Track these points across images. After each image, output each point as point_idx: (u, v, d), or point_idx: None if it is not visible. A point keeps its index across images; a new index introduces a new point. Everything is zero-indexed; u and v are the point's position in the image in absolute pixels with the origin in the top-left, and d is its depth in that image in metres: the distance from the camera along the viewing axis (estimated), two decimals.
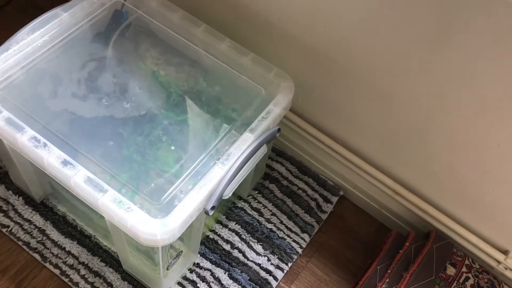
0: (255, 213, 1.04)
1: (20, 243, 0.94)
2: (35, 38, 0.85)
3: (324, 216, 1.06)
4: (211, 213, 0.74)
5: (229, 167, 0.75)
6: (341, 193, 1.09)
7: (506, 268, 0.91)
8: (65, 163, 0.72)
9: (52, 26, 0.88)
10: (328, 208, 1.07)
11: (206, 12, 0.98)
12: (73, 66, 0.87)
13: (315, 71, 0.93)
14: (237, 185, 0.78)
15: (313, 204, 1.07)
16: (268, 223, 1.03)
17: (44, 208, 0.98)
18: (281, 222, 1.04)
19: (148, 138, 0.82)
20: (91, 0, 0.92)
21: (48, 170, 0.73)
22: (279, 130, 0.83)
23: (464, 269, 0.89)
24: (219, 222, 1.02)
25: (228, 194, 0.76)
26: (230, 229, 1.01)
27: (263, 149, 0.82)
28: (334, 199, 1.08)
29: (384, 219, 1.07)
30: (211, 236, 1.00)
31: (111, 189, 0.71)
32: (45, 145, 0.73)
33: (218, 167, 0.75)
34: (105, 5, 0.94)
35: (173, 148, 0.81)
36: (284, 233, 1.02)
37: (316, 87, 0.96)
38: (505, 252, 0.91)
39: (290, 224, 1.03)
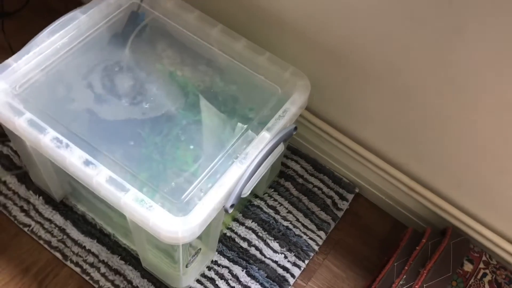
0: (271, 211, 1.05)
1: (41, 242, 0.96)
2: (54, 40, 0.87)
3: (340, 214, 1.07)
4: (230, 211, 0.75)
5: (247, 166, 0.76)
6: (357, 190, 1.10)
7: None
8: (87, 163, 0.74)
9: (70, 28, 0.89)
10: (344, 205, 1.08)
11: (221, 13, 0.99)
12: (92, 68, 0.89)
13: (330, 68, 0.94)
14: (255, 183, 0.79)
15: (328, 201, 1.07)
16: (285, 220, 1.04)
17: (64, 207, 1.00)
18: (297, 220, 1.04)
19: (167, 138, 0.84)
20: (108, 2, 0.93)
21: (70, 170, 0.75)
22: (295, 128, 0.84)
23: (481, 265, 0.89)
24: (236, 220, 1.03)
25: (246, 192, 0.77)
26: (247, 227, 1.02)
27: (280, 148, 0.83)
28: (350, 197, 1.09)
29: (400, 216, 1.07)
30: (228, 234, 1.01)
31: (133, 188, 0.72)
32: (67, 145, 0.75)
33: (236, 165, 0.76)
34: (122, 7, 0.95)
35: (191, 147, 0.82)
36: (300, 230, 1.03)
37: (331, 85, 0.96)
38: None
39: (306, 222, 1.04)
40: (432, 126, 0.87)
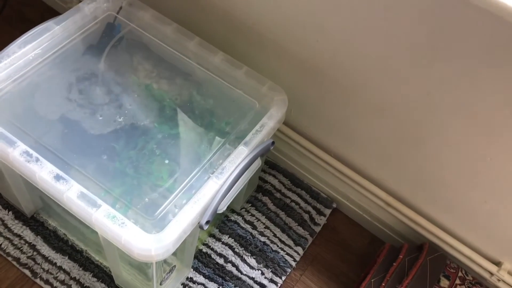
0: (248, 226, 1.03)
1: (10, 258, 0.93)
2: (26, 51, 0.85)
3: (317, 229, 1.06)
4: (205, 227, 0.73)
5: (223, 181, 0.75)
6: (334, 205, 1.09)
7: (499, 280, 0.91)
8: (57, 178, 0.71)
9: (44, 39, 0.87)
10: (321, 220, 1.07)
11: (199, 26, 0.98)
12: (65, 80, 0.87)
13: (308, 84, 0.94)
14: (232, 199, 0.78)
15: (306, 216, 1.07)
16: (262, 236, 1.03)
17: (34, 222, 0.97)
18: (275, 235, 1.03)
19: (141, 152, 0.82)
20: (84, 13, 0.92)
21: (41, 185, 0.72)
22: (273, 143, 0.83)
23: (457, 281, 0.90)
24: (212, 235, 1.01)
25: (222, 208, 0.75)
26: (223, 243, 1.00)
27: (257, 163, 0.82)
28: (327, 212, 1.08)
29: (377, 231, 1.07)
30: (204, 250, 0.99)
31: (105, 204, 0.70)
32: (37, 159, 0.72)
33: (212, 181, 0.75)
34: (97, 18, 0.94)
35: (167, 162, 0.80)
36: (277, 246, 1.02)
37: (309, 100, 0.96)
38: (498, 264, 0.91)
39: (284, 237, 1.03)
40: (408, 143, 0.87)
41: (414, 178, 0.92)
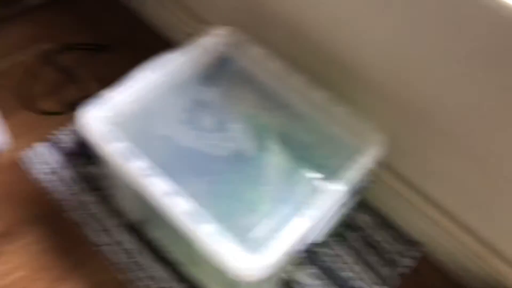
0: (334, 259, 1.04)
1: (114, 262, 1.01)
2: (150, 76, 0.94)
3: (404, 271, 1.04)
4: (301, 255, 0.76)
5: (321, 213, 0.77)
6: (424, 249, 1.07)
7: None
8: (167, 193, 0.78)
9: (166, 67, 0.96)
10: (409, 263, 1.05)
11: (305, 64, 1.03)
12: (180, 105, 0.95)
13: (408, 125, 0.95)
14: (327, 231, 0.80)
15: (393, 257, 1.06)
16: (347, 271, 1.03)
17: (137, 232, 1.05)
18: (360, 272, 1.03)
19: (240, 177, 0.87)
20: (203, 46, 1.00)
21: (151, 198, 0.79)
22: (368, 182, 0.85)
23: None
24: (298, 265, 1.03)
25: (318, 239, 0.78)
26: (308, 274, 1.02)
27: (354, 199, 0.84)
28: (416, 255, 1.06)
29: (467, 283, 1.03)
30: (289, 279, 1.01)
31: (208, 222, 0.75)
32: (151, 174, 0.80)
33: (310, 211, 0.78)
34: (213, 52, 1.02)
35: (265, 189, 0.85)
36: (363, 283, 1.02)
37: (409, 142, 0.96)
38: None
39: (370, 276, 1.03)
40: None
41: None
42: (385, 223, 1.10)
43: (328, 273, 1.02)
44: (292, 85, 0.96)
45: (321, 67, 1.03)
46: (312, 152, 0.91)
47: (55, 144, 1.18)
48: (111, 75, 1.33)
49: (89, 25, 1.47)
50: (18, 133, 1.21)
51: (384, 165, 1.04)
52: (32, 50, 1.39)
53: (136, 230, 1.06)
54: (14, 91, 1.29)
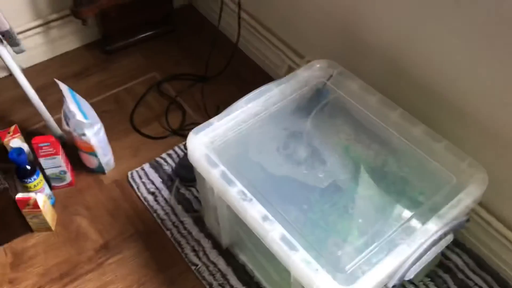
0: None
1: (204, 282, 1.06)
2: (250, 107, 0.99)
3: None
4: None
5: (414, 249, 0.77)
6: None
7: None
8: (264, 218, 0.81)
9: (264, 98, 1.01)
10: None
11: (402, 97, 1.04)
12: (276, 134, 0.99)
13: (510, 164, 0.91)
14: (420, 268, 0.79)
15: None
16: None
17: (228, 254, 1.09)
18: None
19: (334, 207, 0.88)
20: (299, 78, 1.05)
21: (249, 222, 0.83)
22: (467, 220, 0.83)
23: None
24: None
25: (410, 275, 0.77)
26: None
27: (449, 237, 0.82)
28: None
29: None
30: None
31: (302, 249, 0.77)
32: (250, 199, 0.84)
33: (403, 247, 0.77)
34: (309, 84, 1.05)
35: (360, 221, 0.85)
36: None
37: (509, 181, 0.93)
38: None
39: None
40: None
41: None
42: (480, 265, 1.05)
43: None
44: (388, 118, 0.96)
45: (418, 100, 1.03)
46: (407, 187, 0.90)
47: (159, 166, 1.27)
48: (213, 103, 1.42)
49: (192, 56, 1.58)
50: (125, 154, 1.32)
51: (481, 204, 1.01)
52: (142, 79, 1.52)
53: (228, 253, 1.10)
54: (125, 116, 1.41)
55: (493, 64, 0.85)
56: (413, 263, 0.76)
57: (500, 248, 1.01)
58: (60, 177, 1.21)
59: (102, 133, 1.20)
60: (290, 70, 1.35)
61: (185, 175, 1.22)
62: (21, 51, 1.19)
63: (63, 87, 1.16)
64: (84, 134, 1.16)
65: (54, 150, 1.15)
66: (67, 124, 1.17)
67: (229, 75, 1.51)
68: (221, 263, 1.08)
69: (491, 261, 1.05)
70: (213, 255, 1.10)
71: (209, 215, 1.09)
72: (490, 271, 1.04)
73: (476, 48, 0.86)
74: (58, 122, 1.31)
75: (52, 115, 1.30)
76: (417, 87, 1.02)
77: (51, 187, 1.23)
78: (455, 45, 0.90)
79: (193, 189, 1.22)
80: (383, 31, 1.05)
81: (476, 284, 1.03)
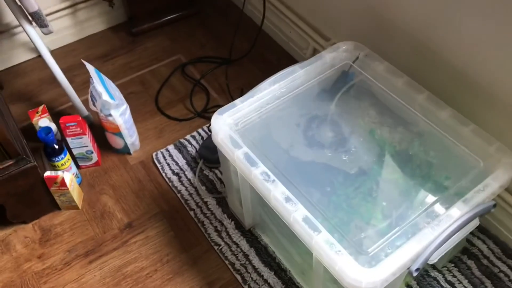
0: (448, 286, 1.00)
1: (226, 262, 1.07)
2: (274, 89, 0.99)
3: None
4: (415, 274, 0.75)
5: (439, 232, 0.76)
6: None
7: None
8: (287, 199, 0.82)
9: (288, 80, 1.00)
10: None
11: (429, 80, 1.02)
12: (301, 116, 0.99)
13: None
14: (444, 252, 0.78)
15: None
16: None
17: (250, 235, 1.10)
18: None
19: (358, 190, 0.88)
20: (324, 60, 1.03)
21: (273, 203, 0.83)
22: (494, 205, 0.81)
23: None
24: (409, 286, 1.01)
25: (434, 259, 0.76)
26: None
27: (475, 222, 0.81)
28: None
29: None
30: None
31: (325, 231, 0.77)
32: (273, 181, 0.84)
33: (428, 230, 0.76)
34: (335, 66, 1.04)
35: (384, 204, 0.85)
36: None
37: None
38: None
39: None
40: None
41: None
42: (506, 253, 1.03)
43: None
44: (414, 101, 0.95)
45: (446, 83, 1.01)
46: (433, 172, 0.89)
47: (183, 148, 1.28)
48: (237, 86, 1.42)
49: (217, 39, 1.58)
50: (150, 135, 1.33)
51: (509, 190, 0.99)
52: (167, 61, 1.52)
53: (251, 234, 1.11)
54: (151, 98, 1.43)
55: None
56: (437, 248, 0.75)
57: None
58: (86, 157, 1.24)
59: (128, 114, 1.22)
60: (315, 52, 1.34)
61: (209, 156, 1.22)
62: (49, 32, 1.21)
63: (90, 68, 1.17)
64: (110, 115, 1.18)
65: (81, 130, 1.17)
66: (94, 104, 1.19)
67: (253, 58, 1.51)
68: (244, 244, 1.09)
69: None
70: (236, 236, 1.11)
71: (232, 196, 1.10)
72: None
73: (505, 29, 0.84)
74: (85, 103, 1.33)
75: (79, 96, 1.32)
76: (444, 69, 1.00)
77: (78, 167, 1.25)
78: (484, 27, 0.87)
79: (216, 171, 1.23)
80: (411, 12, 1.02)
81: (501, 271, 1.02)
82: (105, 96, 1.14)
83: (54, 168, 1.16)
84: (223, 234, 1.11)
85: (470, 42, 0.92)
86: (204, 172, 1.23)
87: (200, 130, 1.32)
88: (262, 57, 1.51)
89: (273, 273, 1.04)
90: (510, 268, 1.02)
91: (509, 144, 0.86)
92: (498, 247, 1.05)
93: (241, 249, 1.08)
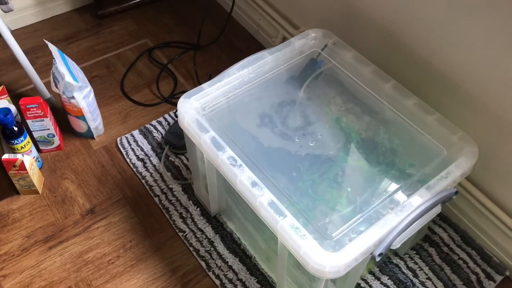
0: (409, 272, 1.02)
1: (191, 248, 1.06)
2: (243, 74, 0.98)
3: None
4: (378, 259, 0.76)
5: (402, 218, 0.77)
6: (507, 273, 1.02)
7: None
8: (254, 184, 0.81)
9: (257, 65, 1.00)
10: (490, 286, 1.01)
11: (396, 69, 1.03)
12: (269, 102, 0.98)
13: (500, 141, 0.91)
14: (407, 238, 0.79)
15: (473, 278, 1.02)
16: (422, 286, 1.00)
17: (216, 222, 1.09)
18: None
19: (324, 176, 0.88)
20: (293, 47, 1.03)
21: (239, 188, 0.83)
22: (456, 192, 0.83)
23: None
24: (371, 273, 1.02)
25: (397, 245, 0.77)
26: (382, 283, 1.01)
27: (437, 209, 0.83)
28: (498, 278, 1.02)
29: None
30: (362, 285, 1.01)
31: (290, 215, 0.77)
32: (240, 165, 0.83)
33: (391, 216, 0.77)
34: (303, 54, 1.04)
35: (349, 189, 0.85)
36: None
37: (501, 157, 0.93)
38: None
39: None
40: None
41: None
42: (465, 240, 1.06)
43: (398, 285, 1.00)
44: (381, 89, 0.96)
45: (412, 73, 1.02)
46: (397, 159, 0.90)
47: (148, 133, 1.25)
48: (205, 72, 1.40)
49: (185, 24, 1.56)
50: (114, 119, 1.30)
51: (469, 179, 1.01)
52: (134, 45, 1.49)
53: (216, 220, 1.10)
54: (116, 82, 1.39)
55: (486, 36, 0.84)
56: (400, 233, 0.76)
57: (486, 224, 1.02)
58: (48, 140, 1.20)
59: (92, 97, 1.19)
60: (285, 41, 1.33)
61: (175, 142, 1.21)
62: (10, 10, 1.16)
63: (53, 48, 1.13)
64: (73, 97, 1.14)
65: (42, 112, 1.13)
66: (56, 86, 1.15)
67: (222, 44, 1.49)
68: (209, 231, 1.08)
69: (476, 236, 1.06)
70: (201, 222, 1.09)
71: (198, 182, 1.08)
72: (475, 246, 1.05)
73: (470, 21, 0.85)
74: (47, 85, 1.29)
75: (41, 78, 1.28)
76: (411, 59, 1.01)
77: (39, 150, 1.21)
78: (450, 18, 0.89)
79: (182, 157, 1.21)
80: (379, 1, 1.03)
81: (460, 258, 1.04)
82: (68, 78, 1.10)
83: (13, 151, 1.12)
84: (188, 221, 1.10)
85: (436, 33, 0.94)
86: (170, 158, 1.21)
87: (166, 116, 1.30)
88: (231, 44, 1.50)
89: (238, 259, 1.04)
90: (469, 255, 1.04)
91: (471, 133, 0.88)
92: (458, 235, 1.07)
93: (206, 235, 1.07)
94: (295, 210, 0.81)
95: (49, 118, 1.15)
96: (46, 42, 1.14)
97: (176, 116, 1.29)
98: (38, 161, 1.18)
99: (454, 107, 0.96)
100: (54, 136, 1.19)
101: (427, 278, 1.01)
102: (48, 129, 1.17)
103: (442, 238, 1.07)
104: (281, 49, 1.02)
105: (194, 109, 0.92)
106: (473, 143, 0.86)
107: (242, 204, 0.97)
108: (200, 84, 1.36)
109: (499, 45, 0.83)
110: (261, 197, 0.79)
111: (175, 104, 1.33)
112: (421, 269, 1.03)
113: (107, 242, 1.07)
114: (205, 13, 1.46)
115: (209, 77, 1.39)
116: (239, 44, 1.50)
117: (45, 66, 1.40)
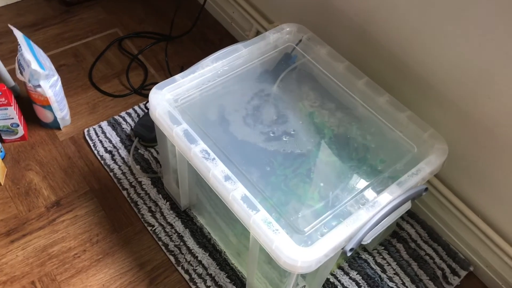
0: (378, 268, 1.04)
1: (160, 243, 1.04)
2: (217, 66, 0.97)
3: None
4: (349, 254, 0.76)
5: (373, 214, 0.77)
6: (471, 269, 1.05)
7: None
8: (227, 178, 0.80)
9: (232, 58, 0.98)
10: (455, 281, 1.03)
11: (369, 66, 1.04)
12: (242, 95, 0.97)
13: (469, 139, 0.93)
14: (378, 233, 0.80)
15: (439, 273, 1.04)
16: (390, 281, 1.02)
17: (186, 216, 1.08)
18: (403, 284, 1.02)
19: (297, 172, 0.88)
20: (268, 41, 1.02)
21: (211, 182, 0.81)
22: (426, 189, 0.84)
23: None
24: (341, 268, 1.03)
25: (367, 240, 0.78)
26: (350, 278, 1.02)
27: (407, 205, 0.84)
28: (463, 273, 1.04)
29: None
30: (331, 280, 1.01)
31: (263, 210, 0.77)
32: (213, 159, 0.82)
33: (363, 211, 0.78)
34: (278, 48, 1.04)
35: (321, 185, 0.85)
36: None
37: (469, 155, 0.95)
38: None
39: None
40: None
41: None
42: (432, 237, 1.08)
43: (367, 280, 1.01)
44: (354, 86, 0.96)
45: (385, 70, 1.03)
46: (369, 155, 0.91)
47: (117, 125, 1.22)
48: (177, 64, 1.38)
49: (157, 15, 1.53)
50: (82, 110, 1.26)
51: (438, 176, 1.03)
52: (103, 34, 1.45)
53: (186, 215, 1.08)
54: (84, 71, 1.35)
55: (457, 36, 0.86)
56: (371, 228, 0.77)
57: (452, 220, 1.04)
58: (12, 130, 1.15)
59: (59, 86, 1.15)
60: (258, 35, 1.32)
61: (144, 134, 1.18)
62: None
63: (18, 34, 1.09)
64: (39, 86, 1.10)
65: (6, 101, 1.09)
66: (21, 73, 1.11)
67: (194, 36, 1.47)
68: (179, 225, 1.06)
69: (443, 232, 1.08)
70: (171, 216, 1.08)
71: (169, 176, 1.06)
72: (441, 242, 1.08)
73: (442, 20, 0.87)
74: (12, 72, 1.24)
75: (5, 66, 1.23)
76: (384, 56, 1.02)
77: (1, 140, 1.17)
78: (422, 17, 0.90)
79: (152, 150, 1.19)
80: None
81: (427, 253, 1.06)
82: (34, 65, 1.06)
83: None
84: (157, 215, 1.08)
85: (409, 31, 0.95)
86: (139, 150, 1.18)
87: (136, 107, 1.27)
88: (203, 36, 1.48)
89: (207, 254, 1.02)
90: (435, 251, 1.07)
91: (442, 131, 0.90)
92: (425, 231, 1.09)
93: (175, 230, 1.06)
94: (268, 205, 0.80)
95: (13, 107, 1.11)
96: (11, 27, 1.09)
97: (147, 108, 1.26)
98: (1, 151, 1.14)
99: (425, 105, 0.98)
100: (18, 125, 1.15)
101: (394, 274, 1.03)
102: (12, 118, 1.12)
103: (409, 234, 1.09)
104: (256, 42, 1.02)
105: (166, 100, 0.90)
106: (443, 140, 0.88)
107: (214, 198, 0.96)
108: (171, 75, 1.34)
109: (470, 45, 0.84)
110: (234, 191, 0.78)
111: (145, 96, 1.30)
112: (389, 265, 1.04)
113: (73, 235, 1.04)
114: (178, 3, 1.44)
115: (181, 69, 1.37)
116: (212, 37, 1.49)
117: (9, 53, 1.35)
